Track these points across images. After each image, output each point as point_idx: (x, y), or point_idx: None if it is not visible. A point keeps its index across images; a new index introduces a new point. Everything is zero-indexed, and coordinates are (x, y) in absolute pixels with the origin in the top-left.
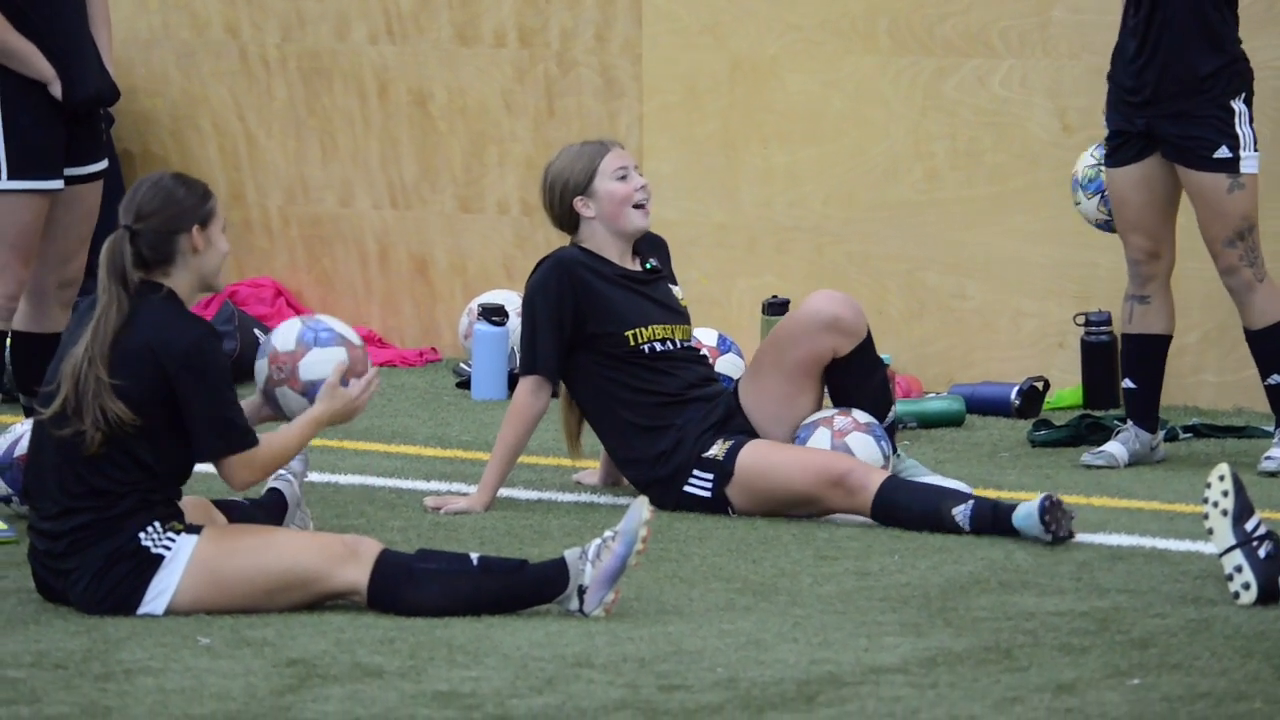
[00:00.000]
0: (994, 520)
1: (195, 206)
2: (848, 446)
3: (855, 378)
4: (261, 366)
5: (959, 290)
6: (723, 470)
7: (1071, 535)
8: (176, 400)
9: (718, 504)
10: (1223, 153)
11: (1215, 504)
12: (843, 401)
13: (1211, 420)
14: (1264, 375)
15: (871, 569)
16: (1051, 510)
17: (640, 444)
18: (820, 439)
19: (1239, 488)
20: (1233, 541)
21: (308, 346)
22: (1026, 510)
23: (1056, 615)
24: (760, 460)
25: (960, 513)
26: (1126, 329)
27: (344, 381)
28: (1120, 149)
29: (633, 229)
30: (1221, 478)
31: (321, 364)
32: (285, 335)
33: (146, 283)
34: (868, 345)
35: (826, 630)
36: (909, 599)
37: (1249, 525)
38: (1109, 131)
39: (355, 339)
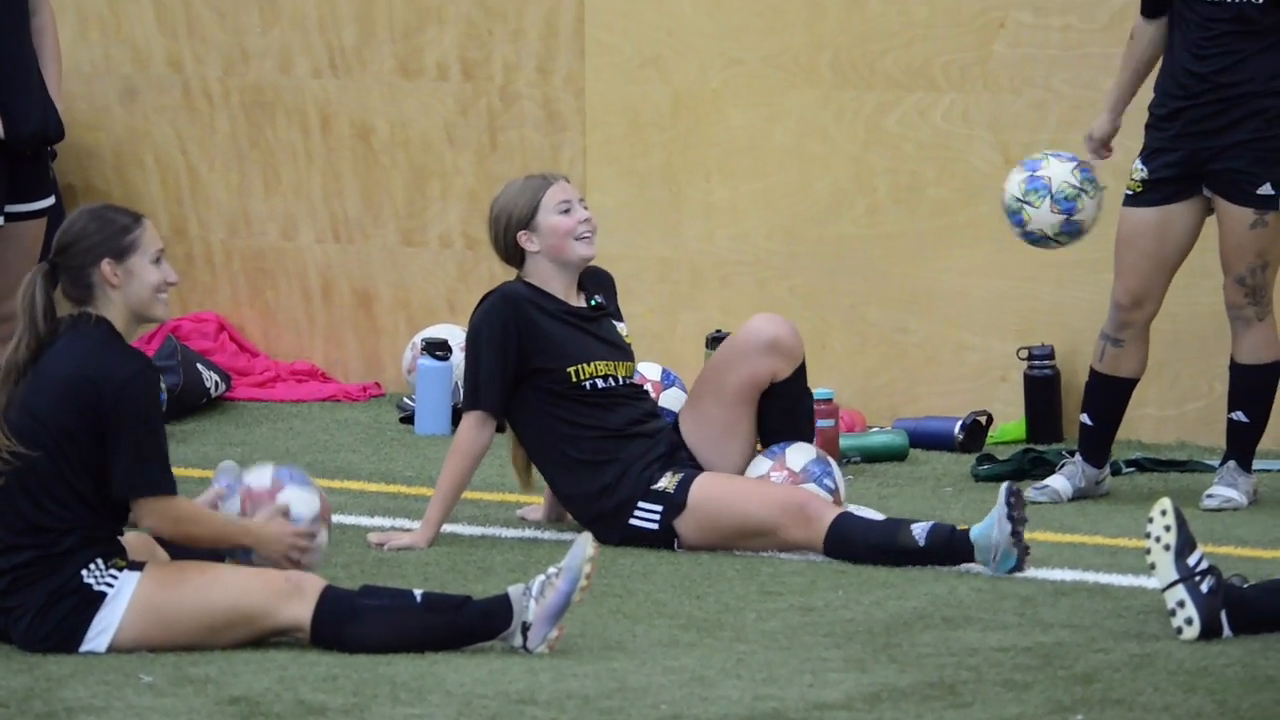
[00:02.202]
0: (950, 537)
1: (106, 241)
2: None
3: (786, 405)
4: (231, 505)
5: (902, 324)
6: (672, 502)
7: (1026, 521)
8: None
9: (664, 536)
10: (1266, 189)
11: (1158, 539)
12: (768, 428)
13: (1154, 454)
14: (1231, 408)
15: (815, 604)
16: (1016, 496)
17: (583, 479)
18: None
19: (1181, 522)
20: (1175, 576)
21: (283, 483)
22: (986, 522)
23: (1000, 651)
24: (716, 491)
25: (919, 529)
26: (1095, 365)
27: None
28: (1145, 193)
29: (577, 259)
30: (1164, 512)
31: (301, 500)
32: (259, 473)
33: (82, 314)
34: (801, 372)
35: (771, 666)
36: (853, 635)
37: (1191, 560)
38: (1145, 177)
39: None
